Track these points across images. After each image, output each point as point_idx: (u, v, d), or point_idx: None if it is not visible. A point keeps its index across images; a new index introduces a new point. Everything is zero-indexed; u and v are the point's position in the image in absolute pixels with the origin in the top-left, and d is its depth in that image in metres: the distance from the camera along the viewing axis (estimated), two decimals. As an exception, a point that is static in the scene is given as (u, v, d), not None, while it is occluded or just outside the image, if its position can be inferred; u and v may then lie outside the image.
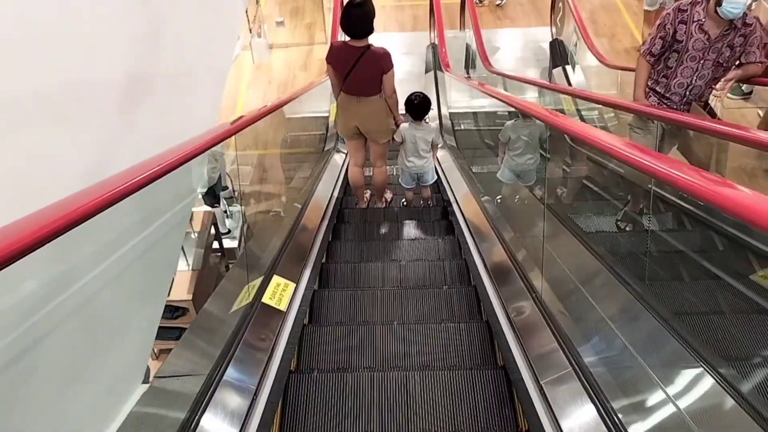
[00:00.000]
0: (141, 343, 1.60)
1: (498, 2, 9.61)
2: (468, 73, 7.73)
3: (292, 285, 2.68)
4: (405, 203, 5.13)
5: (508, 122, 4.19)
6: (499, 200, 4.30)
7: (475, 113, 6.73)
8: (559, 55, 7.73)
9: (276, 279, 2.62)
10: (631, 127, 3.64)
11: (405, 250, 4.22)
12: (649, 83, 3.56)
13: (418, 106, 4.34)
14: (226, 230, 5.71)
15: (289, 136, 6.72)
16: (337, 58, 4.02)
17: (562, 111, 7.11)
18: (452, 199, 4.79)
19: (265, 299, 2.42)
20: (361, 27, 3.85)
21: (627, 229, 3.04)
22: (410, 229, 4.66)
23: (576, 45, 7.04)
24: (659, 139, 3.40)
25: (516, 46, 8.77)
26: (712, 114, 3.63)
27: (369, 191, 5.11)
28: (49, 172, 1.64)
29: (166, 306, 4.62)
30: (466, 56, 7.83)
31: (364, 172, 4.76)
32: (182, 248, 4.68)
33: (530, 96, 7.34)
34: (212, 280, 5.07)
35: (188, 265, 4.69)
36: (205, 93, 3.07)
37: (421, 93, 4.43)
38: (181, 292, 4.54)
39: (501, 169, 4.25)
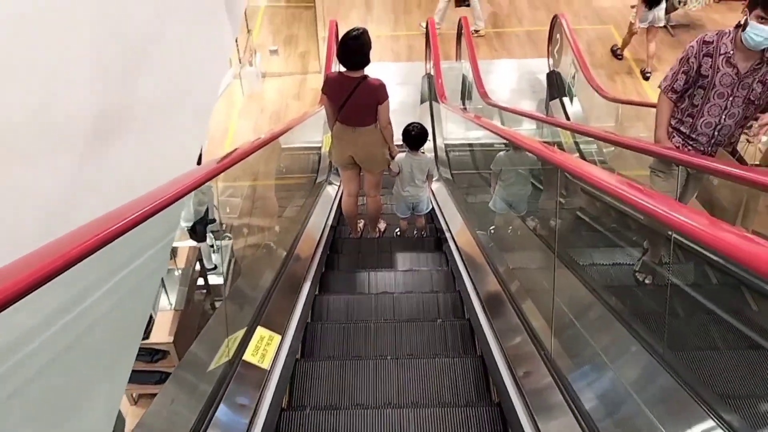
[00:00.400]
0: (103, 413, 1.40)
1: (476, 29, 9.52)
2: (464, 104, 7.65)
3: (278, 338, 2.49)
4: (399, 233, 5.13)
5: (501, 153, 4.26)
6: (492, 230, 4.31)
7: (471, 145, 6.62)
8: (556, 87, 7.67)
9: (260, 332, 2.43)
10: (652, 170, 3.35)
11: (399, 283, 4.20)
12: (673, 122, 3.27)
13: (415, 137, 4.40)
14: (212, 266, 5.51)
15: (280, 167, 6.57)
16: (332, 88, 4.07)
17: (560, 144, 7.03)
18: (448, 235, 4.67)
19: (247, 356, 2.23)
20: (357, 59, 3.90)
21: (647, 282, 2.76)
22: (404, 261, 4.65)
23: (574, 77, 6.97)
24: (683, 184, 3.18)
25: (512, 77, 8.72)
26: (742, 161, 3.37)
27: (362, 221, 5.10)
28: (5, 222, 1.47)
29: (146, 349, 4.42)
30: (462, 87, 7.75)
31: (358, 202, 4.79)
32: (164, 287, 4.49)
33: (527, 128, 7.28)
34: (196, 319, 4.86)
35: (170, 304, 4.49)
36: (186, 131, 2.90)
37: (418, 124, 4.49)
38: (162, 334, 4.34)
39: (493, 198, 4.31)
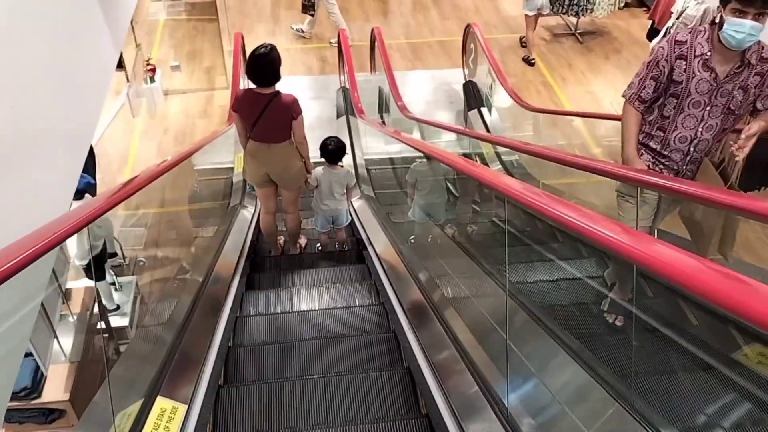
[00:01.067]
0: None
1: (332, 41, 9.54)
2: (382, 117, 7.45)
3: (183, 409, 2.13)
4: (320, 248, 5.11)
5: (415, 163, 4.32)
6: (412, 241, 4.31)
7: (392, 160, 6.42)
8: (473, 97, 7.62)
9: (161, 403, 2.06)
10: (619, 194, 2.93)
11: (324, 300, 4.15)
12: (641, 137, 2.86)
13: (333, 151, 4.42)
14: (115, 306, 4.99)
15: (190, 192, 6.15)
16: (243, 105, 4.00)
17: (481, 156, 6.95)
18: (373, 255, 4.45)
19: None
20: (269, 75, 3.85)
21: (618, 324, 2.38)
22: (328, 276, 4.59)
23: (491, 87, 6.92)
24: (654, 209, 2.87)
25: (428, 88, 8.63)
26: (725, 176, 2.96)
27: (282, 237, 5.08)
28: None
29: (40, 410, 3.91)
30: (379, 100, 7.55)
31: (276, 219, 4.77)
32: (56, 336, 3.98)
33: (447, 139, 7.17)
34: (98, 369, 4.35)
35: (65, 356, 3.98)
36: (56, 168, 2.48)
37: (336, 138, 4.52)
38: (57, 391, 3.84)
39: (411, 208, 4.38)
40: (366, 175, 6.23)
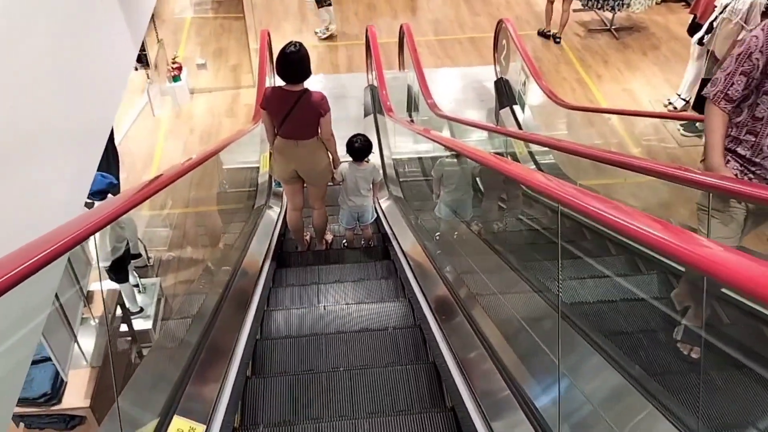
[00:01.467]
0: None
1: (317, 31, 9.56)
2: (410, 116, 7.28)
3: (202, 429, 1.99)
4: (346, 244, 5.14)
5: (440, 159, 4.35)
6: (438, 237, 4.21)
7: (421, 160, 6.25)
8: (505, 95, 7.41)
9: (177, 424, 1.93)
10: (700, 207, 2.53)
11: (349, 295, 4.14)
12: (727, 142, 2.54)
13: (359, 149, 4.44)
14: (138, 309, 4.92)
15: (215, 191, 6.08)
16: (272, 103, 4.05)
17: (513, 154, 6.74)
18: (402, 259, 4.29)
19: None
20: (298, 72, 3.90)
21: (695, 356, 1.96)
22: (354, 272, 4.59)
23: (524, 84, 6.71)
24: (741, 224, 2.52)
25: (458, 86, 8.43)
26: None
27: (309, 233, 5.11)
28: None
29: (60, 416, 3.84)
30: (408, 98, 7.38)
31: (302, 216, 4.80)
32: (76, 341, 3.89)
33: (477, 137, 6.97)
34: (121, 373, 4.26)
35: (86, 361, 3.89)
36: (65, 168, 2.36)
37: (362, 135, 4.53)
38: (77, 397, 3.75)
39: (437, 205, 4.37)
40: (394, 175, 6.07)
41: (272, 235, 5.01)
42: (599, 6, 9.19)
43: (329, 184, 4.58)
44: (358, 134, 4.52)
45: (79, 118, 2.49)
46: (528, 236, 4.21)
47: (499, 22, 7.52)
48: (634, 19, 9.89)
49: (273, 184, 5.87)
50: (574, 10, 10.24)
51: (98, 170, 4.88)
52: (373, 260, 4.80)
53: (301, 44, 3.86)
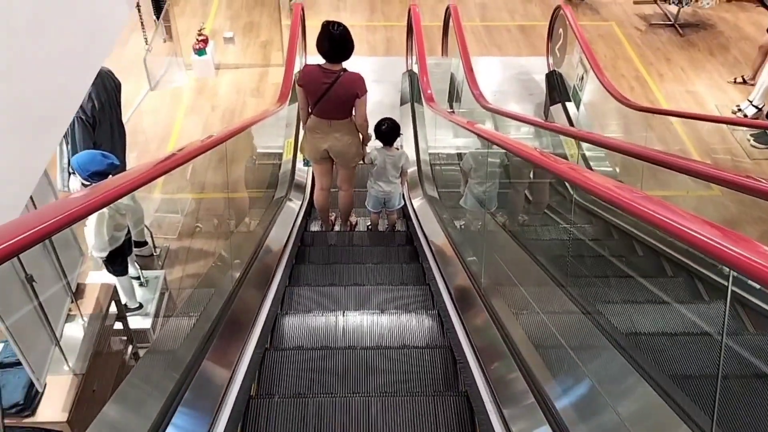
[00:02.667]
0: None
1: None
2: (451, 107, 6.70)
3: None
4: (370, 227, 5.16)
5: (471, 150, 4.42)
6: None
7: (461, 156, 5.68)
8: (557, 89, 6.79)
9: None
10: None
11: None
12: None
13: (386, 132, 4.47)
14: (137, 305, 4.45)
15: (230, 178, 5.59)
16: (310, 80, 4.04)
17: (564, 156, 6.14)
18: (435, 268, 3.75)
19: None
20: (341, 51, 3.92)
21: None
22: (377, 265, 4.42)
23: (582, 79, 6.08)
24: None
25: (503, 76, 7.82)
26: None
27: (334, 213, 5.18)
28: None
29: (33, 429, 3.38)
30: (450, 87, 6.80)
31: (330, 196, 4.86)
32: (58, 345, 3.42)
33: (522, 134, 6.41)
34: (111, 378, 3.80)
35: (68, 366, 3.42)
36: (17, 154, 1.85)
37: (390, 119, 4.57)
38: (54, 409, 3.29)
39: (464, 196, 4.38)
40: (430, 172, 5.51)
41: (288, 239, 4.47)
42: (666, -2, 8.50)
43: (360, 163, 4.62)
44: (386, 118, 4.54)
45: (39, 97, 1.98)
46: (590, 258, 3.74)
47: (557, 9, 6.88)
48: (701, 15, 9.16)
49: (302, 164, 5.65)
50: (635, 2, 9.56)
51: (101, 149, 4.43)
52: (396, 244, 4.83)
53: (343, 24, 3.90)
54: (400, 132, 4.58)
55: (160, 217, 5.62)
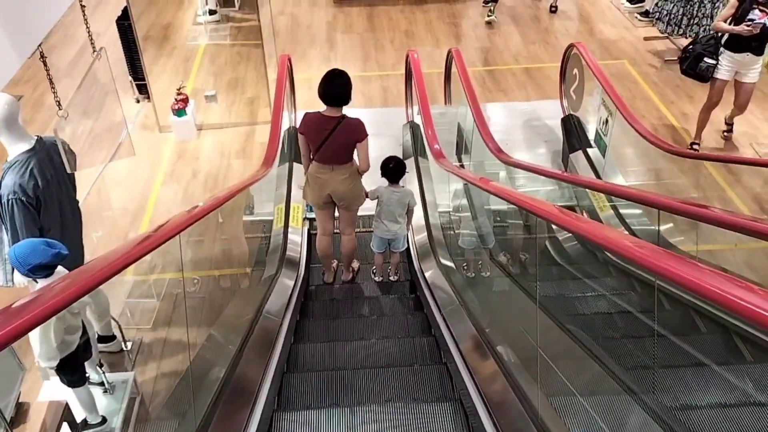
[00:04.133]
0: None
1: None
2: (460, 160, 6.08)
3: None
4: (374, 272, 5.11)
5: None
6: None
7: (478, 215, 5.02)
8: (576, 135, 6.18)
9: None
10: None
11: None
12: None
13: (393, 169, 4.53)
14: (99, 419, 3.71)
15: (210, 253, 4.92)
16: (311, 128, 4.20)
17: (590, 210, 5.51)
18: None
19: None
20: (342, 96, 4.09)
21: None
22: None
23: (607, 123, 5.48)
24: None
25: (514, 124, 7.24)
26: None
27: (336, 261, 5.13)
28: None
29: None
30: (458, 138, 6.19)
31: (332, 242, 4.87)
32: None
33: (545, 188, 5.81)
34: None
35: None
36: None
37: (396, 157, 4.69)
38: None
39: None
40: (442, 238, 4.83)
41: (278, 334, 3.75)
42: (681, 32, 7.99)
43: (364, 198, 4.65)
44: (392, 156, 4.63)
45: None
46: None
47: (570, 48, 6.35)
48: (718, 48, 8.66)
49: (305, 209, 5.55)
50: (645, 39, 9.09)
51: (49, 234, 3.75)
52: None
53: (344, 71, 4.13)
54: (406, 170, 4.62)
55: (132, 304, 4.91)
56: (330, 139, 4.09)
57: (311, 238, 5.55)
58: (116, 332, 4.46)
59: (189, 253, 4.85)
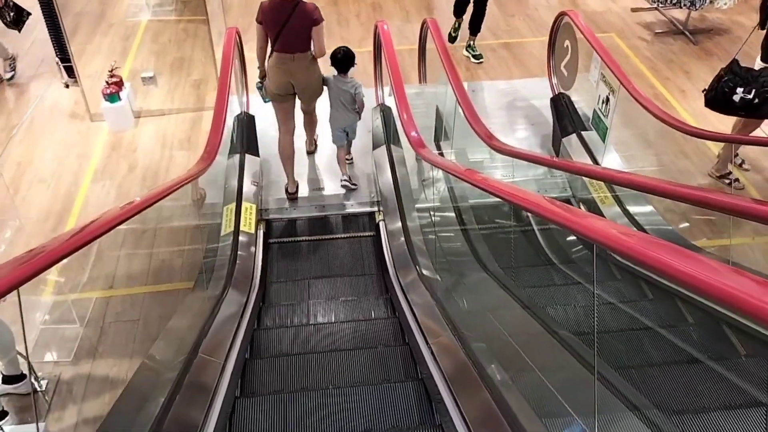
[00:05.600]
0: None
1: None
2: (439, 147, 5.34)
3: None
4: (344, 181, 5.21)
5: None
6: None
7: (463, 219, 4.31)
8: (569, 117, 5.49)
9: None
10: None
11: None
12: None
13: (341, 59, 4.71)
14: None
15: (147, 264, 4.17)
16: (268, 15, 4.39)
17: (588, 202, 4.87)
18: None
19: None
20: None
21: None
22: None
23: (607, 101, 4.79)
24: None
25: (497, 105, 6.50)
26: None
27: (297, 185, 5.21)
28: None
29: None
30: (436, 123, 5.44)
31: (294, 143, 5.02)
32: None
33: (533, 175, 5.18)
34: None
35: None
36: None
37: (345, 47, 4.79)
38: None
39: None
40: (422, 245, 4.09)
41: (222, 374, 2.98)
42: (674, 2, 7.34)
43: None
44: (342, 46, 4.77)
45: None
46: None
47: (560, 16, 5.62)
48: (711, 19, 8.09)
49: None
50: (633, 10, 8.45)
51: None
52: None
53: None
54: (355, 62, 4.76)
55: (48, 332, 4.08)
56: (288, 25, 4.30)
57: (268, 246, 4.79)
58: (24, 370, 3.64)
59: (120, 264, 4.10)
